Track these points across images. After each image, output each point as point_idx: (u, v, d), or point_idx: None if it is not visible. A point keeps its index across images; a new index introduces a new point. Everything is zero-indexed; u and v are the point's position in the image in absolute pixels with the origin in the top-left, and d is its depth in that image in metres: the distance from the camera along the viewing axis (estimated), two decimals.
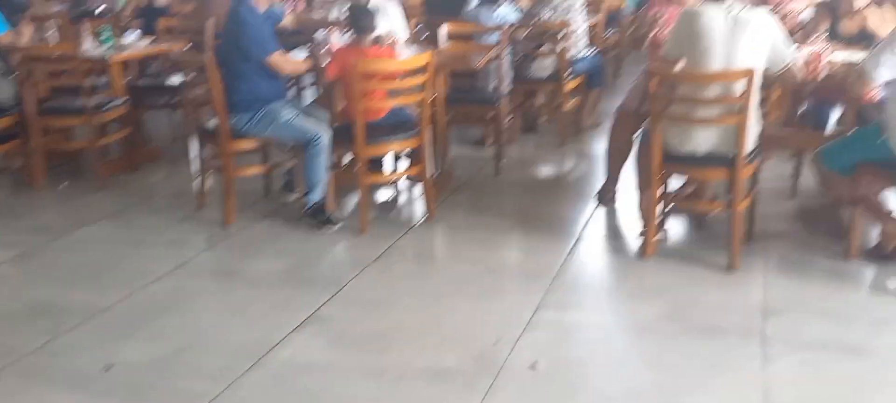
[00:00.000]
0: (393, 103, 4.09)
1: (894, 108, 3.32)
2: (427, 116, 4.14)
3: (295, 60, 4.30)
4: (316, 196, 4.09)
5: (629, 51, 8.16)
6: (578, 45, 5.68)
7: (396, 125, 4.14)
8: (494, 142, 5.21)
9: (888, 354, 2.83)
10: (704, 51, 3.48)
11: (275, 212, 4.40)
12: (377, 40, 4.21)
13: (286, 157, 4.41)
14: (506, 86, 5.29)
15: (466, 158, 5.39)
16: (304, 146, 4.05)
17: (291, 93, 4.28)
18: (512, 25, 5.45)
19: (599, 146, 5.26)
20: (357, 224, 4.12)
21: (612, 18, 7.70)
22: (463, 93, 5.21)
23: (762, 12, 3.51)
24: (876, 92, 3.34)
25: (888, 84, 3.28)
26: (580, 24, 5.69)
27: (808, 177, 4.32)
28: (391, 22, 4.81)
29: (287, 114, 4.09)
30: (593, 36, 6.44)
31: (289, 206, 4.43)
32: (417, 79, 4.00)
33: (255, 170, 4.41)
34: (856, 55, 3.87)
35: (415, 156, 4.28)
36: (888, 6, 4.17)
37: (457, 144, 5.63)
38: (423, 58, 4.01)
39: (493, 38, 5.25)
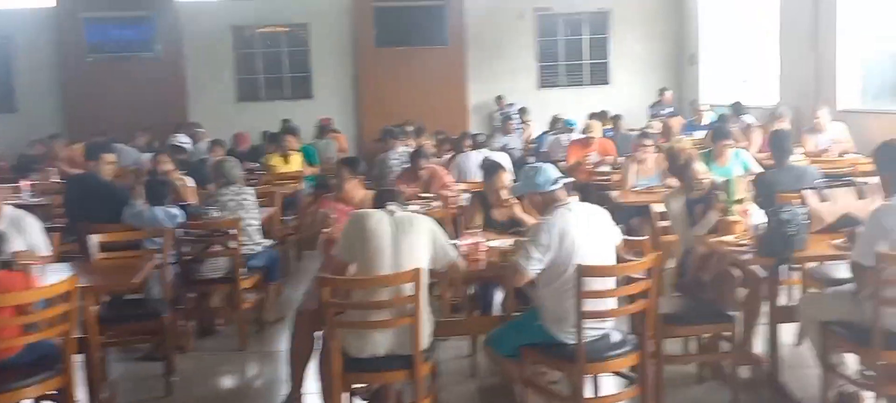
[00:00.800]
0: (29, 338, 3.45)
1: (547, 294, 3.60)
2: (73, 347, 3.56)
3: None
4: None
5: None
6: (253, 240, 5.49)
7: (34, 363, 3.49)
8: (163, 356, 4.67)
9: None
10: (374, 253, 3.51)
11: None
12: (7, 265, 3.58)
13: None
14: (173, 291, 4.86)
15: (133, 379, 4.77)
16: None
17: None
18: (177, 226, 5.10)
19: (284, 343, 5.01)
20: None
21: (290, 203, 7.68)
22: (121, 309, 4.66)
23: (422, 216, 3.68)
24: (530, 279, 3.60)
25: (540, 272, 3.55)
26: (253, 218, 5.52)
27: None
28: (28, 239, 4.18)
29: None
30: (270, 227, 6.32)
31: None
32: (59, 309, 3.44)
33: None
34: (509, 242, 4.20)
35: (61, 398, 3.61)
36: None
37: (121, 363, 5.00)
38: (64, 283, 3.47)
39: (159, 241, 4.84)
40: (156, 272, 4.65)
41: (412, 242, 3.54)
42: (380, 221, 3.57)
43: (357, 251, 3.57)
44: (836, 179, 4.91)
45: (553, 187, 3.69)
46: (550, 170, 3.76)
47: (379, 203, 3.84)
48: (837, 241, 3.97)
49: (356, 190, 4.68)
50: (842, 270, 4.18)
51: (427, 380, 3.64)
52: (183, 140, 8.72)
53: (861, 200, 4.26)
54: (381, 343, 3.49)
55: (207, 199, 5.48)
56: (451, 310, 5.28)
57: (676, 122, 9.36)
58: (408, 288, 3.43)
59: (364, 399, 4.06)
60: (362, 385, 3.97)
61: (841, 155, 7.63)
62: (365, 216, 3.62)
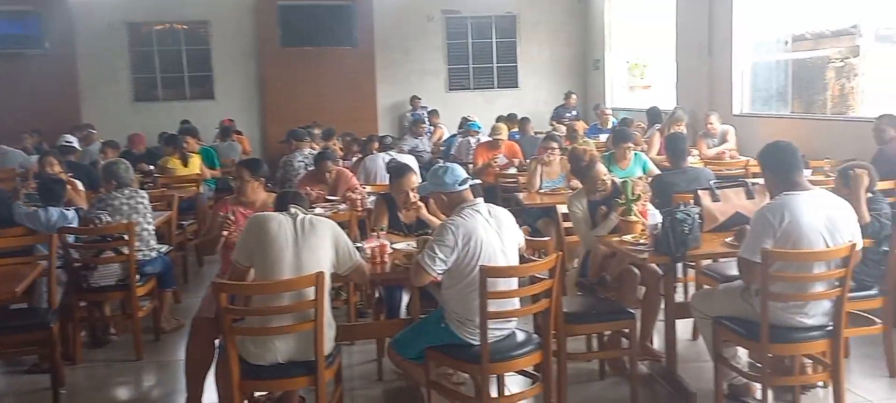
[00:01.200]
0: None
1: (451, 295, 3.59)
2: None
3: None
4: None
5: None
6: (147, 246, 5.25)
7: None
8: (51, 368, 4.39)
9: None
10: (274, 257, 3.42)
11: None
12: None
13: None
14: (62, 299, 4.59)
15: (18, 392, 4.51)
16: None
17: None
18: (64, 231, 4.82)
19: (183, 352, 4.79)
20: None
21: (189, 207, 7.41)
22: (3, 319, 4.37)
23: (325, 219, 3.61)
24: (435, 278, 3.59)
25: (445, 273, 3.54)
26: (147, 222, 5.29)
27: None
28: None
29: None
30: (167, 232, 6.08)
31: None
32: None
33: None
34: (415, 244, 4.17)
35: None
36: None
37: (5, 376, 4.71)
38: None
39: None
40: (43, 279, 4.38)
41: (314, 245, 3.47)
42: (281, 224, 3.48)
43: (257, 255, 3.47)
44: (729, 180, 5.12)
45: (460, 187, 3.69)
46: (458, 171, 3.76)
47: (281, 205, 3.75)
48: (728, 239, 4.13)
49: (257, 192, 4.54)
50: (734, 268, 4.36)
51: (330, 386, 3.58)
52: (70, 139, 8.23)
53: (750, 200, 4.46)
54: (281, 349, 3.40)
55: (98, 203, 5.21)
56: (356, 314, 5.23)
57: (581, 125, 9.58)
58: (309, 293, 3.35)
59: None
60: (263, 393, 3.88)
61: (731, 157, 8.01)
62: (265, 219, 3.52)
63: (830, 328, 3.59)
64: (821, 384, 4.03)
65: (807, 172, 4.03)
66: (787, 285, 3.55)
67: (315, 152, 7.35)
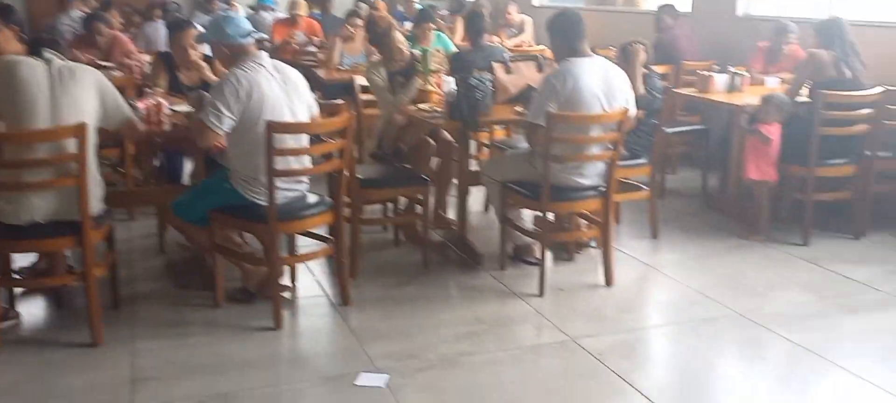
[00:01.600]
0: None
1: (236, 154, 3.38)
2: None
3: None
4: None
5: None
6: None
7: None
8: None
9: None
10: (27, 106, 3.03)
11: None
12: None
13: None
14: None
15: None
16: None
17: None
18: None
19: None
20: None
21: None
22: None
23: (88, 67, 3.22)
24: (222, 139, 3.34)
25: (231, 132, 3.31)
26: None
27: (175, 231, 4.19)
28: None
29: None
30: None
31: None
32: None
33: None
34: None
35: None
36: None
37: None
38: None
39: None
40: None
41: (75, 95, 3.10)
42: (33, 69, 3.07)
43: (5, 103, 3.05)
44: (522, 58, 5.26)
45: (243, 39, 3.42)
46: (242, 22, 3.48)
47: (33, 51, 3.27)
48: (518, 108, 4.26)
49: (9, 42, 3.95)
50: (523, 143, 4.50)
51: (101, 250, 3.29)
52: None
53: (541, 73, 4.60)
54: (40, 207, 3.05)
55: None
56: (135, 184, 4.86)
57: (382, 5, 9.37)
58: (70, 145, 3.00)
59: (25, 273, 3.58)
60: (26, 264, 3.51)
61: (528, 46, 8.28)
62: (13, 63, 3.09)
63: (603, 188, 3.84)
64: (593, 242, 4.34)
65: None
66: (567, 147, 3.70)
67: (85, 15, 6.58)
